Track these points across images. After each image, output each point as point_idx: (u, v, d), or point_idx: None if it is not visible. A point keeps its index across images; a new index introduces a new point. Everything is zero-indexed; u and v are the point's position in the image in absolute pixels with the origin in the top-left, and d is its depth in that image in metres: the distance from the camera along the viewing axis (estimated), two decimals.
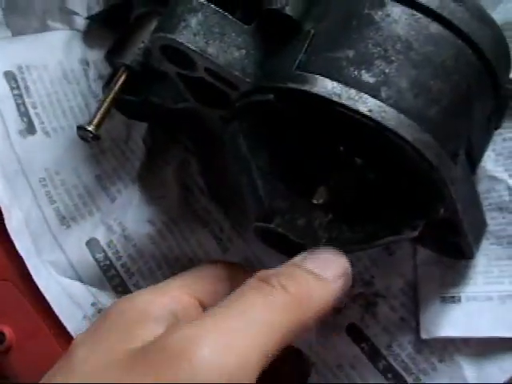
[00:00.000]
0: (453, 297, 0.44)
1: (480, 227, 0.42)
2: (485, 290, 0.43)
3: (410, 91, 0.35)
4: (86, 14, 0.57)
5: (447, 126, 0.36)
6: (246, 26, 0.37)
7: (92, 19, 0.56)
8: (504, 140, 0.46)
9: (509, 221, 0.45)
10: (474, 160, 0.40)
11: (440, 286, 0.44)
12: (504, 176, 0.45)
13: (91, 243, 0.50)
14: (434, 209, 0.37)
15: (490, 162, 0.46)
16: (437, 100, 0.35)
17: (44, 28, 0.57)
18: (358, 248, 0.38)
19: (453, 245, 0.42)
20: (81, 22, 0.57)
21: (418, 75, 0.35)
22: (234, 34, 0.37)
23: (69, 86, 0.55)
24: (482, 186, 0.45)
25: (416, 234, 0.38)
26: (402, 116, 0.34)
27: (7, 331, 0.48)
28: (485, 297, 0.43)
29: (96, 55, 0.56)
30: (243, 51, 0.37)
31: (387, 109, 0.34)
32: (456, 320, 0.43)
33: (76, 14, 0.57)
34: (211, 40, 0.37)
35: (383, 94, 0.34)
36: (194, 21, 0.37)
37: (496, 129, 0.42)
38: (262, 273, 0.33)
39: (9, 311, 0.49)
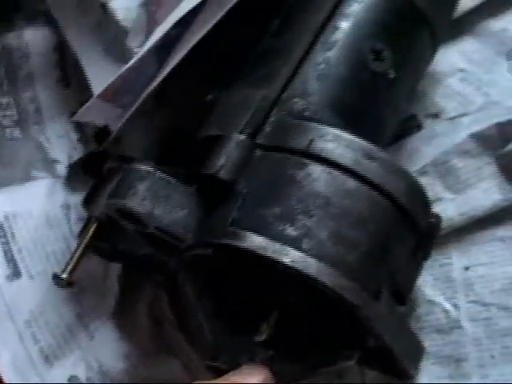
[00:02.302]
0: None
1: (416, 352, 0.46)
2: None
3: (329, 241, 0.39)
4: (66, 162, 0.62)
5: (366, 269, 0.40)
6: (188, 189, 0.43)
7: (72, 167, 0.62)
8: (440, 266, 0.50)
9: (447, 342, 0.49)
10: (402, 293, 0.44)
11: None
12: (441, 300, 0.50)
13: (72, 380, 0.54)
14: (365, 341, 0.41)
15: (429, 287, 0.50)
16: (355, 247, 0.40)
17: (28, 177, 0.62)
18: (298, 379, 0.43)
19: (393, 368, 0.46)
20: (62, 169, 0.62)
21: (337, 226, 0.40)
22: (177, 196, 0.43)
23: (51, 231, 0.60)
24: (421, 310, 0.49)
25: (352, 362, 0.42)
26: (322, 264, 0.39)
27: None
28: None
29: (77, 199, 0.60)
30: (186, 211, 0.42)
31: (308, 259, 0.39)
32: None
33: (58, 161, 0.63)
34: (157, 203, 0.42)
35: (305, 246, 0.39)
36: (141, 187, 0.42)
37: (425, 259, 0.47)
38: None
39: None
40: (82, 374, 0.54)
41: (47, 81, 0.63)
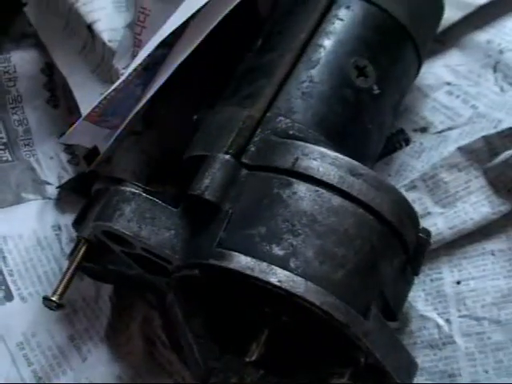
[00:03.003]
0: None
1: (408, 368, 0.46)
2: None
3: (316, 259, 0.39)
4: (57, 183, 0.62)
5: (354, 286, 0.40)
6: (174, 210, 0.43)
7: (62, 188, 0.62)
8: (432, 280, 0.50)
9: (439, 357, 0.48)
10: (392, 308, 0.44)
11: None
12: (433, 315, 0.49)
13: None
14: (356, 358, 0.41)
15: (421, 302, 0.50)
16: (342, 265, 0.40)
17: (18, 200, 0.62)
18: None
19: None
20: (52, 190, 0.62)
21: (323, 244, 0.40)
22: (163, 217, 0.42)
23: (42, 252, 0.60)
24: (413, 325, 0.49)
25: (344, 380, 0.42)
26: (309, 283, 0.39)
27: None
28: None
29: (68, 220, 0.61)
30: (172, 232, 0.42)
31: (295, 278, 0.39)
32: None
33: (48, 183, 0.63)
34: (143, 224, 0.42)
35: (292, 265, 0.39)
36: (127, 209, 0.42)
37: (416, 275, 0.47)
38: None
39: None
40: None
41: (36, 102, 0.63)
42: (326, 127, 0.44)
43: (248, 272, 0.38)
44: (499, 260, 0.50)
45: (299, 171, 0.41)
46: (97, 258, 0.52)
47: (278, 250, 0.39)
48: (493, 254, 0.50)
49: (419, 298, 0.50)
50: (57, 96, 0.63)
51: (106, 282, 0.57)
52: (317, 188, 0.41)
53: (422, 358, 0.48)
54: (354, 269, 0.40)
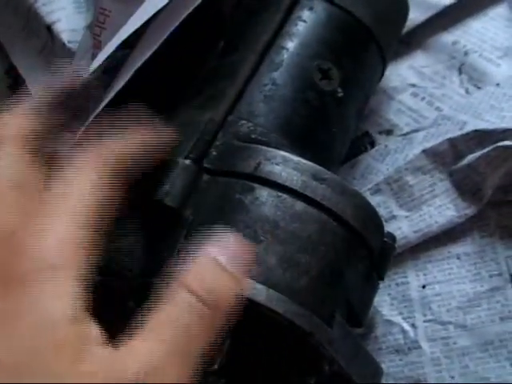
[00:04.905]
0: None
1: (373, 375, 0.45)
2: None
3: (278, 267, 0.39)
4: None
5: (318, 294, 0.39)
6: (133, 216, 0.42)
7: None
8: (397, 285, 0.50)
9: (405, 362, 0.48)
10: (358, 314, 0.44)
11: None
12: (399, 319, 0.49)
13: None
14: (320, 367, 0.40)
15: (386, 307, 0.50)
16: (305, 272, 0.39)
17: None
18: None
19: None
20: None
21: (286, 251, 0.39)
22: (121, 224, 0.41)
23: None
24: (379, 331, 0.49)
25: None
26: (271, 291, 0.38)
27: None
28: None
29: None
30: (132, 238, 0.41)
31: (257, 286, 0.38)
32: None
33: None
34: None
35: (253, 272, 0.38)
36: None
37: (381, 279, 0.46)
38: None
39: None
40: None
41: (0, 105, 0.62)
42: (289, 131, 0.43)
43: None
44: (465, 264, 0.50)
45: (261, 176, 0.40)
46: None
47: None
48: (458, 258, 0.50)
49: (384, 303, 0.50)
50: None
51: None
52: (279, 193, 0.40)
53: (388, 364, 0.48)
54: (318, 276, 0.39)
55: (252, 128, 0.43)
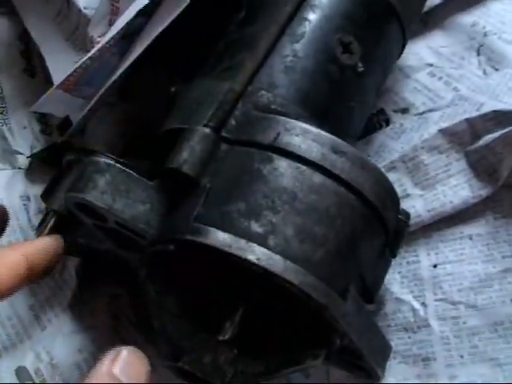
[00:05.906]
0: None
1: (383, 351, 0.45)
2: None
3: (295, 238, 0.38)
4: (28, 153, 0.60)
5: (334, 267, 0.39)
6: (150, 183, 0.41)
7: (34, 157, 0.60)
8: (408, 263, 0.50)
9: (414, 340, 0.48)
10: (370, 290, 0.43)
11: None
12: (409, 298, 0.49)
13: (20, 371, 0.53)
14: (331, 340, 0.40)
15: (396, 285, 0.49)
16: (322, 244, 0.39)
17: None
18: (264, 379, 0.41)
19: (360, 367, 0.45)
20: (23, 160, 0.61)
21: (303, 223, 0.39)
22: (138, 191, 0.41)
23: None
24: (388, 308, 0.49)
25: (319, 362, 0.41)
26: (288, 262, 0.38)
27: None
28: None
29: (37, 191, 0.59)
30: (148, 205, 0.41)
31: (274, 256, 0.38)
32: None
33: (20, 153, 0.61)
34: (118, 197, 0.41)
35: (271, 242, 0.38)
36: (101, 180, 0.41)
37: (393, 257, 0.46)
38: None
39: None
40: (30, 365, 0.53)
41: (12, 70, 0.62)
42: (309, 103, 0.43)
43: (225, 249, 0.37)
44: (477, 244, 0.49)
45: (280, 147, 0.40)
46: (66, 230, 0.50)
47: (256, 227, 0.38)
48: (470, 239, 0.50)
49: (395, 281, 0.50)
50: (33, 65, 0.62)
51: (74, 255, 0.55)
52: (298, 164, 0.40)
53: (396, 341, 0.48)
54: (335, 249, 0.39)
55: (272, 99, 0.42)
